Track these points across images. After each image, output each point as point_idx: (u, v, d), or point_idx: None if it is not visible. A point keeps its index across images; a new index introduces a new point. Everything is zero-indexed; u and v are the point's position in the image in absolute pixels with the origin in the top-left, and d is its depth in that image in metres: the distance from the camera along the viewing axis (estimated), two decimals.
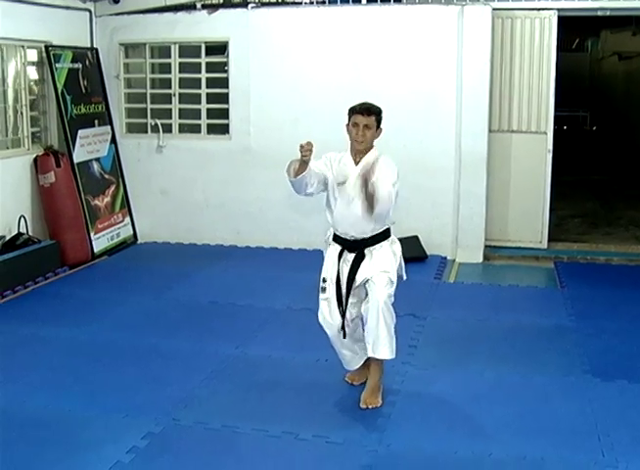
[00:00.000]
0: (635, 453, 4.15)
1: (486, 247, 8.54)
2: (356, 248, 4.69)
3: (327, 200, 4.77)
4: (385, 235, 4.73)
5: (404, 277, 4.86)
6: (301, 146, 4.37)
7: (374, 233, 4.67)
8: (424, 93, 8.28)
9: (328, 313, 4.77)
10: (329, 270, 4.78)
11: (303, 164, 4.45)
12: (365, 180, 4.30)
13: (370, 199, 4.33)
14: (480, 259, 8.40)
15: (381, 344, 4.64)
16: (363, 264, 4.67)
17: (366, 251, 4.68)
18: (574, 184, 12.74)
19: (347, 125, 4.68)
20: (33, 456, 4.13)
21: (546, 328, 6.24)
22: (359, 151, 4.65)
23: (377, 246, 4.69)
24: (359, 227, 4.64)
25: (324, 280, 4.79)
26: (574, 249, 8.70)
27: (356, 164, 4.64)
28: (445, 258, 8.45)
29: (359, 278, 4.67)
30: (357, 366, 4.99)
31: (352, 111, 4.65)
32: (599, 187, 12.94)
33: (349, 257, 4.70)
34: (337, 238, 4.77)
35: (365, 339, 4.72)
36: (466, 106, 8.17)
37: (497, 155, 8.49)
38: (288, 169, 4.55)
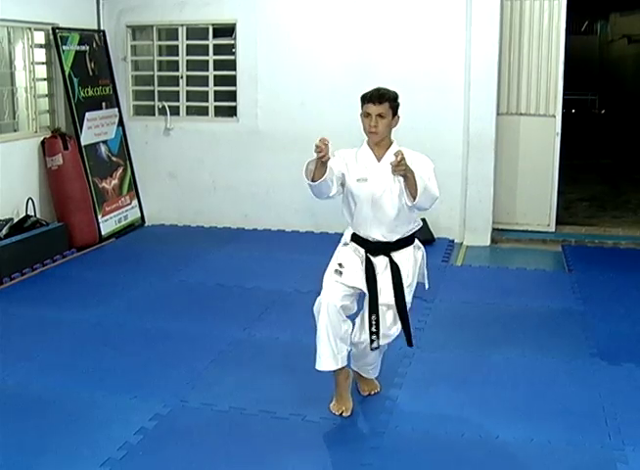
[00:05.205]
0: None
1: (494, 230, 8.52)
2: (379, 252, 4.23)
3: (344, 198, 4.28)
4: (410, 240, 4.30)
5: (427, 286, 4.47)
6: (316, 145, 3.81)
7: (399, 237, 4.24)
8: (432, 75, 8.23)
9: (338, 296, 4.15)
10: (346, 259, 4.25)
11: (322, 165, 3.93)
12: (404, 171, 3.85)
13: (412, 186, 3.96)
14: (488, 243, 8.38)
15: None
16: (386, 281, 4.21)
17: (388, 257, 4.23)
18: (583, 168, 12.70)
19: (361, 115, 4.18)
20: (42, 436, 4.16)
21: (553, 311, 6.24)
22: (377, 143, 4.18)
23: (398, 252, 4.25)
24: (384, 229, 4.20)
25: (340, 265, 4.22)
26: (582, 232, 8.68)
27: (379, 159, 4.17)
28: (453, 241, 8.44)
29: (383, 299, 4.19)
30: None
31: (364, 99, 4.14)
32: (607, 171, 12.89)
33: (376, 261, 4.22)
34: (357, 239, 4.28)
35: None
36: (474, 88, 8.11)
37: (505, 138, 8.47)
38: (305, 172, 4.02)
